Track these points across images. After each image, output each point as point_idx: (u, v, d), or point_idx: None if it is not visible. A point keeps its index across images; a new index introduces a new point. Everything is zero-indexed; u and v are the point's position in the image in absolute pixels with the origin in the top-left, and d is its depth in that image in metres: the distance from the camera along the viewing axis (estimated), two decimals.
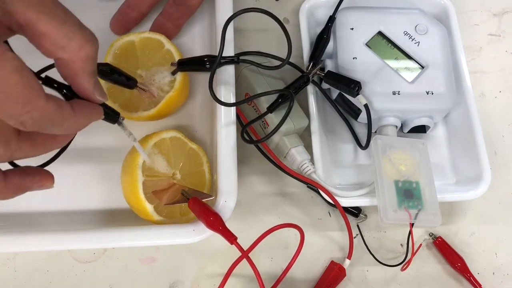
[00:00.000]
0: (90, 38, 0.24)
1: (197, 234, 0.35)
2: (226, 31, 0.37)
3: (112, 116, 0.30)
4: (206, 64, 0.39)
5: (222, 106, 0.38)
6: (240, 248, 0.33)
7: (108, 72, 0.35)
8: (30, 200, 0.38)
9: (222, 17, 0.40)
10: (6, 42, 0.24)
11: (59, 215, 0.40)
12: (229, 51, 0.39)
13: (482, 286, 0.41)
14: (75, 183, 0.40)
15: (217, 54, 0.37)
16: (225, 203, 0.36)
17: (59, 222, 0.40)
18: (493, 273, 0.42)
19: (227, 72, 0.39)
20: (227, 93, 0.38)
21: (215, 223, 0.33)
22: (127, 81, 0.36)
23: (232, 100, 0.38)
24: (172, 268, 0.40)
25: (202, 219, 0.33)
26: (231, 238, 0.33)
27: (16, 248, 0.36)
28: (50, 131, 0.24)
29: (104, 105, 0.29)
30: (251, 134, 0.41)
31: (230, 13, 0.38)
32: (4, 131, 0.23)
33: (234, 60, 0.39)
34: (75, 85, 0.25)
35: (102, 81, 0.34)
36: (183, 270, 0.40)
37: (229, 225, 0.34)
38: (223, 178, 0.36)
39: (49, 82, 0.27)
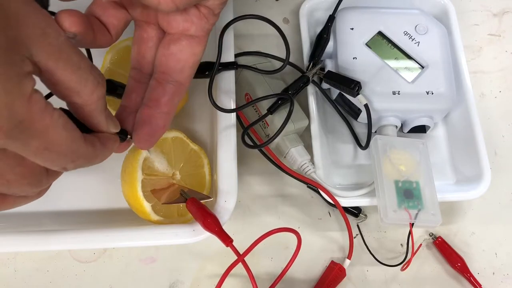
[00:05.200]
0: (100, 80, 0.25)
1: (197, 234, 0.35)
2: (225, 37, 0.37)
3: (124, 139, 0.31)
4: (204, 71, 0.39)
5: None
6: (236, 251, 0.33)
7: (111, 88, 0.35)
8: None
9: (222, 22, 0.40)
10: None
11: (59, 215, 0.40)
12: (228, 56, 0.39)
13: (482, 286, 0.41)
14: (75, 183, 0.40)
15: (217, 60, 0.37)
16: (225, 203, 0.35)
17: (59, 222, 0.40)
18: (493, 273, 0.42)
19: (227, 78, 0.39)
20: (226, 99, 0.38)
21: (212, 224, 0.33)
22: None
23: (232, 105, 0.38)
24: (172, 268, 0.40)
25: (199, 220, 0.33)
26: (226, 240, 0.33)
27: (16, 248, 0.36)
28: (83, 167, 0.26)
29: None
30: (251, 134, 0.41)
31: (230, 17, 0.38)
32: (37, 173, 0.24)
33: (232, 66, 0.39)
34: (90, 124, 0.26)
35: None
36: (183, 270, 0.40)
37: (229, 226, 0.34)
38: (223, 178, 0.36)
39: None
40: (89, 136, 0.25)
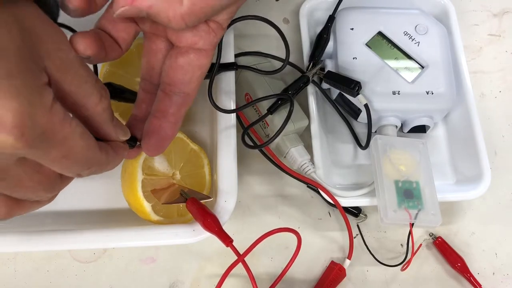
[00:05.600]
0: (103, 93, 0.25)
1: (197, 234, 0.35)
2: (225, 37, 0.37)
3: (133, 145, 0.32)
4: None
5: None
6: (236, 251, 0.33)
7: (111, 91, 0.35)
8: None
9: None
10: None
11: (59, 215, 0.40)
12: (228, 57, 0.39)
13: (482, 286, 0.41)
14: (75, 183, 0.40)
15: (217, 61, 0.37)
16: (225, 203, 0.36)
17: (59, 222, 0.40)
18: (493, 273, 0.42)
19: (227, 78, 0.39)
20: (226, 99, 0.38)
21: (212, 224, 0.33)
22: (132, 97, 0.35)
23: (232, 105, 0.38)
24: (172, 268, 0.40)
25: (199, 220, 0.33)
26: (226, 240, 0.33)
27: (16, 248, 0.36)
28: (96, 174, 0.27)
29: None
30: (251, 134, 0.41)
31: None
32: (52, 180, 0.25)
33: (232, 67, 0.39)
34: (99, 135, 0.27)
35: None
36: (183, 270, 0.40)
37: (229, 226, 0.34)
38: (223, 178, 0.36)
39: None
40: (103, 144, 0.26)
